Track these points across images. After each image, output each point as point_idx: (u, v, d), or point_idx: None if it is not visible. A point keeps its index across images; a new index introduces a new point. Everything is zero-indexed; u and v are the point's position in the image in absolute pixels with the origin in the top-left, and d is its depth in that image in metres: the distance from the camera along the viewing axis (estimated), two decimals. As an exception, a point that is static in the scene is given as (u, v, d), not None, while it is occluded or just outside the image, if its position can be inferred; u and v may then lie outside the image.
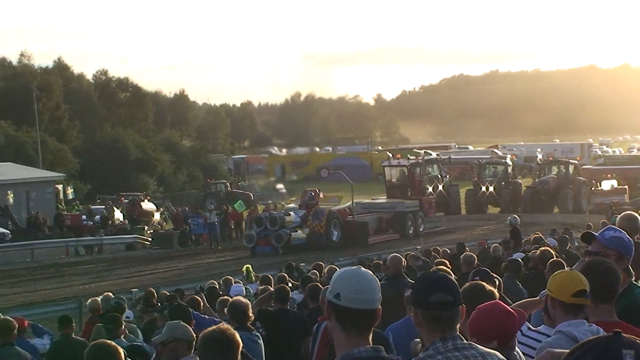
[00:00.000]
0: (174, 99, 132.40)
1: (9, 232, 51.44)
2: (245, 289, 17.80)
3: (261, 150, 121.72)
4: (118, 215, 58.08)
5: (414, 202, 46.53)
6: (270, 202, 61.89)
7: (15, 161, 70.43)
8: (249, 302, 10.65)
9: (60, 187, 70.14)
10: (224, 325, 6.50)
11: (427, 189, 50.91)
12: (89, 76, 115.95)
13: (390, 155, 62.35)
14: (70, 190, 72.99)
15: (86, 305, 17.92)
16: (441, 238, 43.11)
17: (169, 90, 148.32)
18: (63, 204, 68.42)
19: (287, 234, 39.63)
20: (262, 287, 16.15)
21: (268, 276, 18.10)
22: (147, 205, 61.27)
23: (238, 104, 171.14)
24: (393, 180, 51.04)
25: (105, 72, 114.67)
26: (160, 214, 63.28)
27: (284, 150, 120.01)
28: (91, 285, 33.50)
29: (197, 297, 14.12)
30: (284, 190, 78.84)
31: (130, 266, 40.96)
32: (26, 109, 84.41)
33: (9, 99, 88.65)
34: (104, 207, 60.57)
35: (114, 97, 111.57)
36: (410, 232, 44.30)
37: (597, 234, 6.10)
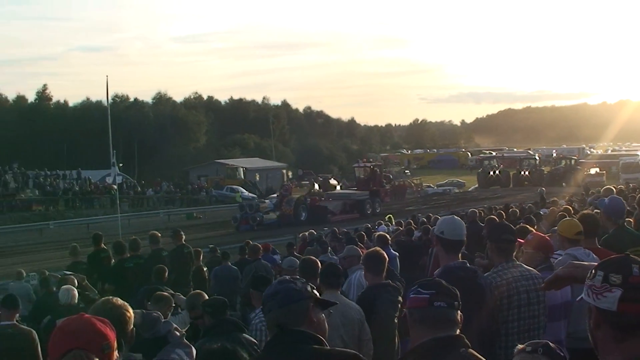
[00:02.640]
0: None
1: (255, 196, 74.98)
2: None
3: (394, 151, 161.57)
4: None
5: (364, 193, 59.18)
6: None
7: (260, 157, 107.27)
8: None
9: (284, 171, 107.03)
10: None
11: (384, 183, 67.01)
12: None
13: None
14: (289, 174, 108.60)
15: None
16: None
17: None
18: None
19: (261, 216, 49.28)
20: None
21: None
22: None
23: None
24: (361, 176, 65.81)
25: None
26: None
27: (409, 151, 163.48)
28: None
29: None
30: (409, 173, 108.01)
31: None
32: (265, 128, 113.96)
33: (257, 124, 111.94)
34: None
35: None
36: (369, 212, 54.41)
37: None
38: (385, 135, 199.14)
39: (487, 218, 17.86)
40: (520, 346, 3.90)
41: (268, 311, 3.91)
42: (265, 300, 3.97)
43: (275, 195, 55.70)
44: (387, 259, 8.54)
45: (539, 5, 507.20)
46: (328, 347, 3.86)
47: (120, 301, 4.91)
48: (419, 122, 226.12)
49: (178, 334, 5.95)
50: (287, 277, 4.35)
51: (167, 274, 12.27)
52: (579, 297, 3.23)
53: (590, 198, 24.06)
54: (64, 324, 3.09)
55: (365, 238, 18.55)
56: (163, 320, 6.02)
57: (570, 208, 17.01)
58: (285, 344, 3.74)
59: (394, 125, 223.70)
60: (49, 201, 67.78)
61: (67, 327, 3.04)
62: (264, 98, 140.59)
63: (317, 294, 4.01)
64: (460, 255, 6.54)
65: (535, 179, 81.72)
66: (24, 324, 11.22)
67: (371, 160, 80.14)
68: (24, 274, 20.26)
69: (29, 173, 74.19)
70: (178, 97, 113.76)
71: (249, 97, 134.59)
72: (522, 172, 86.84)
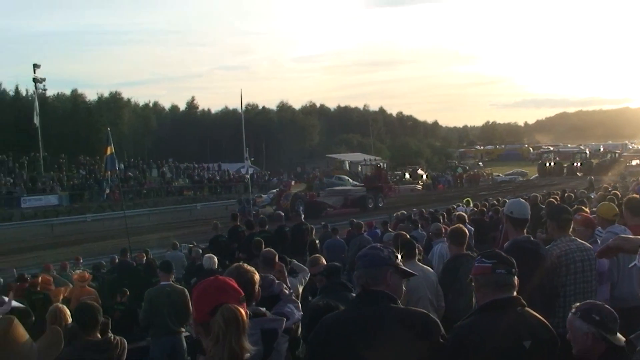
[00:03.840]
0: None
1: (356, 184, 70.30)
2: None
3: (470, 147, 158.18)
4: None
5: (362, 189, 53.10)
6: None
7: (361, 152, 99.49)
8: None
9: (381, 164, 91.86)
10: None
11: (389, 180, 60.61)
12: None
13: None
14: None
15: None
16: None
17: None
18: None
19: (257, 211, 42.25)
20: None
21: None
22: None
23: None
24: (367, 174, 60.25)
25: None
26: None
27: (482, 147, 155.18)
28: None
29: None
30: (482, 165, 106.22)
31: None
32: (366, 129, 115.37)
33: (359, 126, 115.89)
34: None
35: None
36: (370, 207, 48.27)
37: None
38: (462, 134, 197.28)
39: (546, 201, 17.70)
40: (573, 308, 3.94)
41: (356, 270, 3.98)
42: (356, 261, 4.01)
43: (274, 190, 50.72)
44: (468, 234, 8.54)
45: (590, 25, 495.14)
46: (402, 306, 3.87)
47: (249, 267, 5.01)
48: (489, 123, 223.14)
49: (287, 292, 6.06)
50: (379, 245, 4.35)
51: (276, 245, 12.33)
52: (632, 264, 3.54)
53: (631, 185, 24.02)
54: (208, 283, 3.14)
55: (446, 218, 18.45)
56: (277, 281, 6.13)
57: (618, 193, 16.67)
58: (366, 301, 3.78)
59: (469, 126, 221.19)
60: (196, 188, 68.88)
61: (212, 286, 3.09)
62: (364, 105, 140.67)
63: (400, 264, 4.00)
64: (525, 230, 6.65)
65: (585, 169, 79.69)
66: (178, 284, 11.48)
67: (376, 159, 72.89)
68: (178, 245, 20.68)
69: (181, 166, 75.58)
70: (297, 105, 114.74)
71: (352, 105, 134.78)
72: (574, 164, 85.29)
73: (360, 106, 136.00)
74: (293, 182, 52.86)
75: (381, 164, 62.80)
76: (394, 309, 3.76)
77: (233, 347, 2.88)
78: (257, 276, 5.00)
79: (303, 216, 40.40)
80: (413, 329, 3.67)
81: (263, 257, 7.91)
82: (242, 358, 2.93)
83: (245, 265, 5.10)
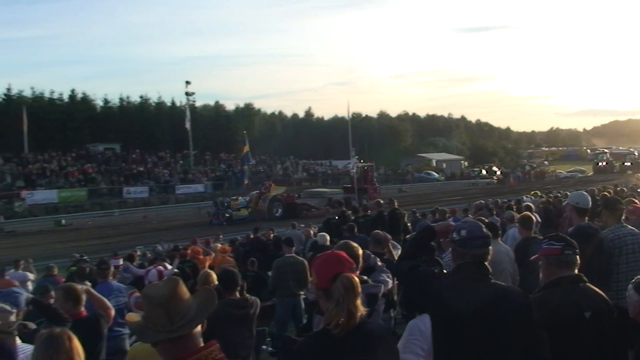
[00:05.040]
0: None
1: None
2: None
3: (537, 149, 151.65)
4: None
5: (339, 191, 47.84)
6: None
7: (446, 152, 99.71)
8: None
9: (462, 162, 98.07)
10: None
11: (374, 182, 51.87)
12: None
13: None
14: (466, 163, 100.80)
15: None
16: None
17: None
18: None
19: (230, 213, 38.21)
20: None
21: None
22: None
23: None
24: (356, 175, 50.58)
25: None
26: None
27: (547, 149, 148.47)
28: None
29: None
30: (547, 163, 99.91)
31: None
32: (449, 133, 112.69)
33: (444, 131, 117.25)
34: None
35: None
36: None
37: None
38: (530, 138, 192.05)
39: (601, 194, 17.11)
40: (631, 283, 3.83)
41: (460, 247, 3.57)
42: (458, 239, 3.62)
43: (255, 192, 42.24)
44: (535, 220, 8.42)
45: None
46: (499, 282, 3.68)
47: (355, 243, 5.06)
48: (554, 129, 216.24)
49: (380, 263, 6.10)
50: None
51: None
52: None
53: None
54: (327, 256, 3.19)
55: (515, 207, 18.07)
56: (372, 255, 6.16)
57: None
58: (468, 277, 3.50)
59: (536, 131, 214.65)
60: (311, 179, 69.57)
61: (331, 258, 3.14)
62: (449, 114, 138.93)
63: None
64: (586, 218, 6.60)
65: (634, 168, 76.49)
66: (299, 255, 11.65)
67: (362, 161, 61.02)
68: (297, 225, 20.93)
69: (300, 162, 76.50)
70: (393, 114, 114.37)
71: (439, 114, 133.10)
72: (625, 163, 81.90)
73: (445, 114, 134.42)
74: (272, 185, 43.88)
75: (367, 166, 54.35)
76: (494, 284, 3.55)
77: (350, 308, 2.94)
78: (360, 251, 5.05)
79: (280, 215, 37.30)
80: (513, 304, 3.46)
81: (373, 237, 7.91)
82: (357, 317, 2.99)
83: (352, 242, 5.15)
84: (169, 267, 13.60)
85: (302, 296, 10.28)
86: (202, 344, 2.65)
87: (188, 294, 2.72)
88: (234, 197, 41.57)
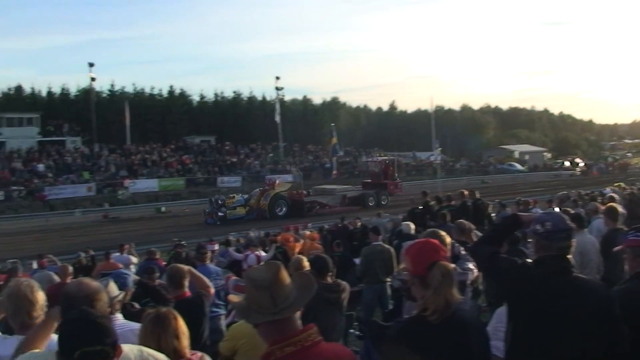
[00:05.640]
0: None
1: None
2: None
3: (619, 141, 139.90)
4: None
5: (352, 187, 43.58)
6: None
7: (529, 144, 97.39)
8: None
9: (544, 154, 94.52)
10: None
11: (395, 176, 45.43)
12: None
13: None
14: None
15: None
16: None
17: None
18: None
19: (224, 212, 34.86)
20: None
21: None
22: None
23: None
24: (375, 170, 45.65)
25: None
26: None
27: (630, 141, 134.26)
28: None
29: None
30: (630, 155, 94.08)
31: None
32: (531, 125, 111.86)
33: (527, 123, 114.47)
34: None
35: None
36: (371, 204, 38.38)
37: None
38: (613, 130, 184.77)
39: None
40: None
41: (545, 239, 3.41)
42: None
43: (257, 190, 38.68)
44: (621, 211, 8.08)
45: None
46: (582, 276, 3.49)
47: (443, 232, 4.99)
48: (637, 121, 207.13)
49: (464, 252, 6.03)
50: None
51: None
52: None
53: None
54: (423, 244, 3.14)
55: (600, 199, 17.49)
56: (456, 244, 6.10)
57: None
58: (551, 270, 3.31)
59: (619, 123, 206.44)
60: (397, 171, 69.20)
61: (427, 246, 3.09)
62: (531, 106, 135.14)
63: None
64: None
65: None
66: (385, 243, 11.63)
67: (381, 154, 55.57)
68: (382, 214, 20.93)
69: (386, 153, 76.30)
70: (475, 106, 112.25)
71: (521, 106, 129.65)
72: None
73: (528, 107, 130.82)
74: (277, 181, 40.41)
75: (388, 160, 47.72)
76: (578, 277, 3.40)
77: (447, 296, 2.91)
78: (449, 239, 4.98)
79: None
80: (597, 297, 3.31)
81: (458, 226, 7.81)
82: (453, 305, 2.96)
83: (439, 230, 5.09)
84: (263, 253, 13.82)
85: (388, 283, 10.27)
86: (300, 327, 2.67)
87: (288, 279, 2.74)
88: (230, 195, 38.16)
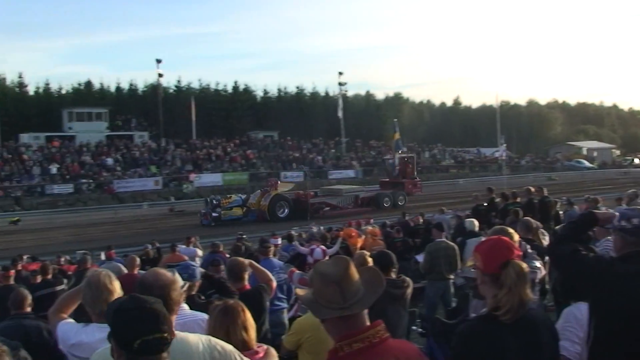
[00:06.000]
0: None
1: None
2: None
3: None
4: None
5: (360, 187, 41.32)
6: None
7: (597, 140, 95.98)
8: None
9: (612, 150, 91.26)
10: None
11: (414, 175, 42.59)
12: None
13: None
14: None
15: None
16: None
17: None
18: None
19: (219, 212, 32.89)
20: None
21: None
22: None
23: None
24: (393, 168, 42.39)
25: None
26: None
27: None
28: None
29: None
30: None
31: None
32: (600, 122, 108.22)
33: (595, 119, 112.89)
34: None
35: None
36: (386, 205, 36.30)
37: None
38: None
39: None
40: None
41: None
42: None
43: (259, 190, 36.63)
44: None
45: None
46: None
47: (511, 229, 4.89)
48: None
49: (530, 250, 5.90)
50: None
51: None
52: None
53: None
54: (496, 242, 3.04)
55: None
56: (522, 242, 5.98)
57: None
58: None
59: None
60: (459, 166, 68.67)
61: (500, 244, 3.00)
62: (600, 102, 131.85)
63: None
64: None
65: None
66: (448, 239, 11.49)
67: (401, 152, 46.66)
68: (445, 210, 20.69)
69: (447, 149, 75.51)
70: (542, 102, 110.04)
71: (589, 101, 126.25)
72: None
73: (597, 102, 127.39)
74: (279, 182, 38.17)
75: (407, 157, 43.84)
76: None
77: (522, 295, 2.84)
78: (517, 237, 4.87)
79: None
80: None
81: (524, 223, 7.65)
82: (527, 304, 2.89)
83: (507, 228, 4.99)
84: (323, 247, 13.81)
85: (452, 280, 10.16)
86: (368, 323, 2.63)
87: (357, 275, 2.71)
88: (227, 195, 36.18)
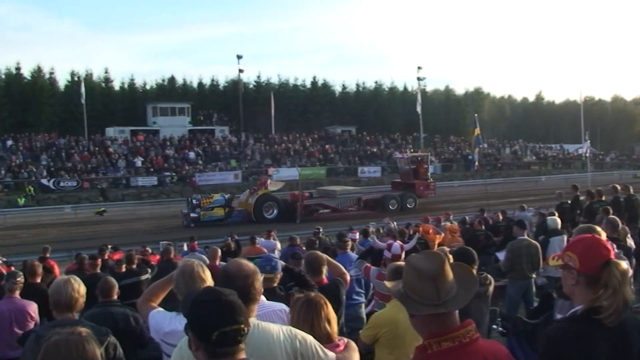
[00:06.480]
0: None
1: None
2: None
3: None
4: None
5: (359, 189, 38.43)
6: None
7: None
8: None
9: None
10: None
11: (428, 176, 38.74)
12: None
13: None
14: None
15: None
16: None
17: None
18: None
19: (198, 213, 30.76)
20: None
21: None
22: None
23: None
24: (405, 167, 38.90)
25: None
26: None
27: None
28: None
29: None
30: None
31: None
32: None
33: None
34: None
35: None
36: (393, 208, 33.39)
37: None
38: None
39: None
40: None
41: None
42: None
43: (248, 190, 34.52)
44: None
45: None
46: None
47: (599, 228, 4.73)
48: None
49: (617, 250, 5.67)
50: None
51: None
52: None
53: None
54: (593, 241, 2.88)
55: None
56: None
57: None
58: None
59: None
60: (541, 163, 67.17)
61: (597, 243, 2.83)
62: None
63: None
64: None
65: None
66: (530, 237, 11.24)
67: (412, 150, 45.31)
68: (525, 208, 20.34)
69: (529, 145, 73.85)
70: (629, 97, 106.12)
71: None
72: None
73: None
74: (269, 181, 35.26)
75: (420, 156, 40.05)
76: None
77: (626, 296, 2.73)
78: (604, 235, 4.71)
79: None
80: None
81: (610, 222, 7.40)
82: (628, 305, 2.77)
83: (595, 226, 4.84)
84: (400, 243, 13.71)
85: (533, 279, 9.94)
86: (459, 322, 2.57)
87: (451, 273, 2.64)
88: (208, 195, 33.90)
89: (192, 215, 31.09)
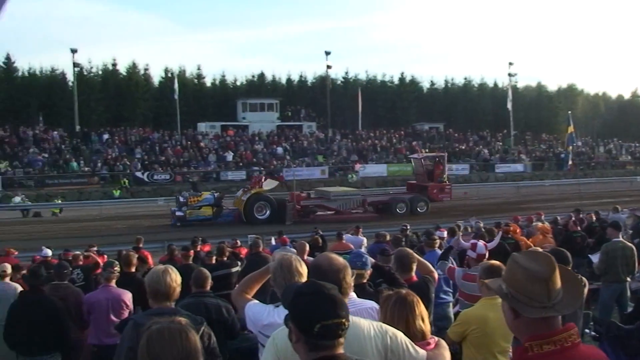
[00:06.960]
0: None
1: None
2: None
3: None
4: None
5: (357, 191, 35.75)
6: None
7: None
8: None
9: None
10: None
11: (443, 178, 34.71)
12: None
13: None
14: None
15: None
16: None
17: None
18: None
19: (184, 212, 28.89)
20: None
21: None
22: None
23: None
24: (420, 169, 36.04)
25: None
26: None
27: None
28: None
29: None
30: None
31: None
32: None
33: None
34: None
35: None
36: (401, 212, 30.92)
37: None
38: None
39: None
40: None
41: None
42: None
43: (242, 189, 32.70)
44: None
45: None
46: None
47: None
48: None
49: None
50: None
51: None
52: None
53: None
54: None
55: None
56: None
57: None
58: None
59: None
60: (637, 163, 64.62)
61: None
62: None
63: None
64: None
65: None
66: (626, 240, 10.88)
67: (426, 150, 43.87)
68: (619, 209, 19.52)
69: (624, 144, 71.13)
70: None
71: None
72: None
73: None
74: (264, 179, 33.05)
75: (437, 157, 37.07)
76: None
77: None
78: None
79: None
80: None
81: None
82: None
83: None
84: (484, 242, 13.49)
85: (627, 283, 9.61)
86: (561, 325, 2.52)
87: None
88: (197, 192, 31.64)
89: (177, 213, 29.60)
